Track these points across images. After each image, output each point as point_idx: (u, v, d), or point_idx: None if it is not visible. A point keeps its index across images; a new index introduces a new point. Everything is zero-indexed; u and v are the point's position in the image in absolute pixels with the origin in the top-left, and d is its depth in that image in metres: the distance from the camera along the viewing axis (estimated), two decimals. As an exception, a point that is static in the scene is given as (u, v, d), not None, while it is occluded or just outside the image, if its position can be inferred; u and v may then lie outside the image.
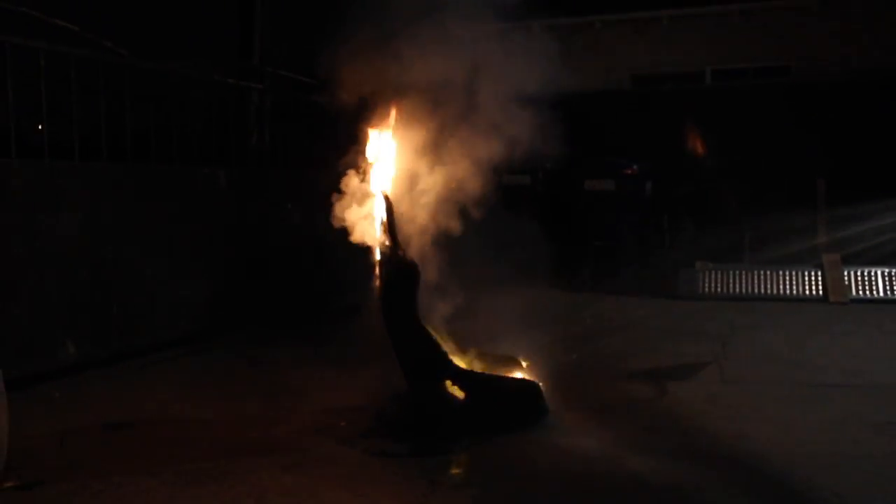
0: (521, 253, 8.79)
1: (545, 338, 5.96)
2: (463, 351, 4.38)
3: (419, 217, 4.26)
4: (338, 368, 5.17)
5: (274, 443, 3.91)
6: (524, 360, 4.53)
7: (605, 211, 8.71)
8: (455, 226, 4.54)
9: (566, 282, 8.65)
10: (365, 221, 4.19)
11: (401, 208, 4.18)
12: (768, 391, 4.69)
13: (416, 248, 4.21)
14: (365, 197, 4.18)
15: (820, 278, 7.97)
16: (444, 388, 3.93)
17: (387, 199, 4.02)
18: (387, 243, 4.00)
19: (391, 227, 3.98)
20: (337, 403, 4.48)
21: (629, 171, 8.65)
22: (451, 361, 3.93)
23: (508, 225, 8.87)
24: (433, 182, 4.32)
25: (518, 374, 4.31)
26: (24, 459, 3.60)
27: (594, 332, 6.60)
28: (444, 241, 4.40)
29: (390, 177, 4.14)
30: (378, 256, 4.09)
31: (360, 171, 4.18)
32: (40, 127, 5.08)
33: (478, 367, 4.28)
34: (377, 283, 4.10)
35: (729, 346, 5.92)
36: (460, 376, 3.94)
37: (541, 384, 4.12)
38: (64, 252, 5.16)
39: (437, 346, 3.91)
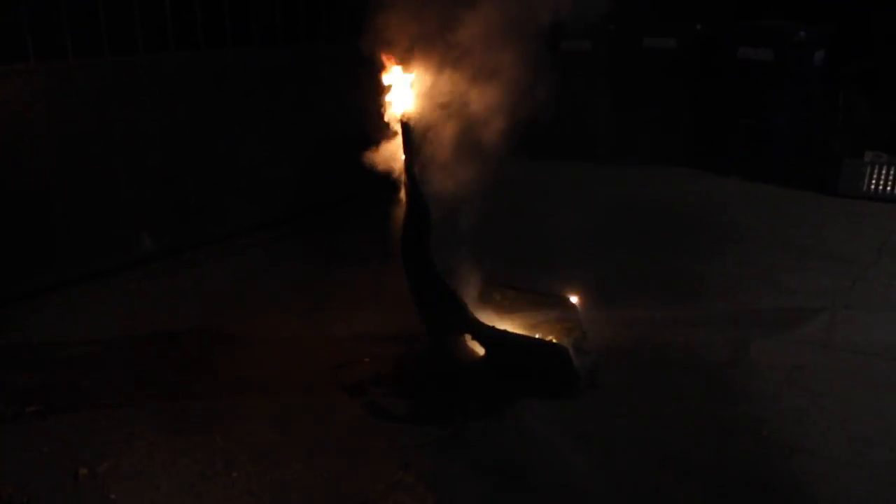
0: (660, 125, 7.87)
1: (627, 252, 5.33)
2: (502, 291, 3.93)
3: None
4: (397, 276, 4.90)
5: (284, 382, 3.76)
6: (573, 298, 4.00)
7: (758, 85, 7.40)
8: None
9: (708, 161, 7.66)
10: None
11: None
12: (881, 379, 3.65)
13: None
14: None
15: None
16: (462, 344, 3.52)
17: (405, 125, 3.46)
18: (403, 177, 3.50)
19: (408, 156, 3.46)
20: (377, 329, 4.23)
21: (794, 39, 7.19)
22: (468, 313, 3.49)
23: (649, 93, 7.89)
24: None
25: (561, 320, 3.81)
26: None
27: (702, 239, 5.72)
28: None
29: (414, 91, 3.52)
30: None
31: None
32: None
33: (517, 309, 3.83)
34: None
35: (862, 281, 4.86)
36: (479, 331, 3.50)
37: (574, 341, 3.60)
38: (138, 145, 5.13)
39: (452, 295, 3.47)
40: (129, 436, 3.31)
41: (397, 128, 3.48)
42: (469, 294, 3.76)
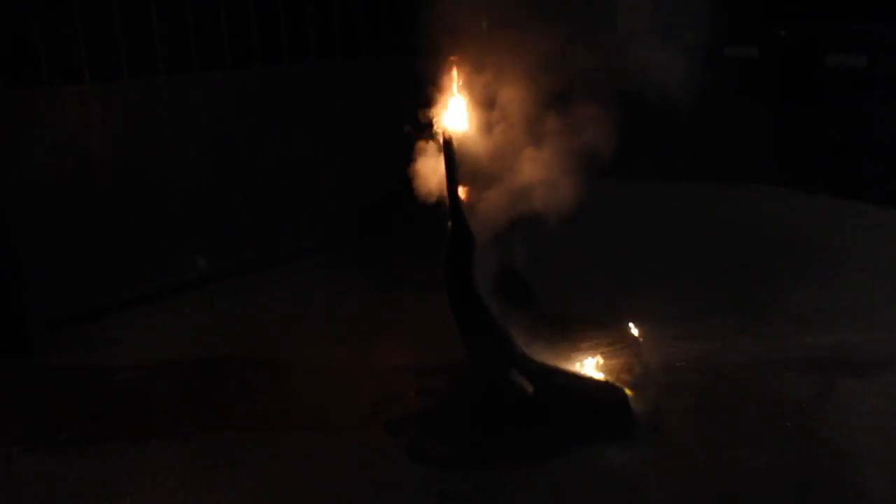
0: (744, 140, 7.38)
1: (701, 277, 4.91)
2: (556, 320, 3.63)
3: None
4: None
5: (324, 417, 3.57)
6: (636, 330, 3.66)
7: (850, 94, 6.84)
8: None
9: (794, 177, 7.13)
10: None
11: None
12: None
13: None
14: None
15: None
16: (510, 380, 3.24)
17: (447, 143, 3.22)
18: (447, 202, 3.25)
19: (450, 181, 3.21)
20: (426, 360, 4.00)
21: (890, 43, 6.61)
22: (516, 347, 3.20)
23: (731, 106, 7.42)
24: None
25: (621, 353, 3.48)
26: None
27: (787, 263, 5.24)
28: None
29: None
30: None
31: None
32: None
33: (572, 341, 3.53)
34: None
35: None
36: (528, 367, 3.21)
37: (635, 378, 3.27)
38: (190, 163, 5.07)
39: (498, 327, 3.20)
40: (158, 470, 3.17)
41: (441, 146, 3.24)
42: (520, 324, 3.49)
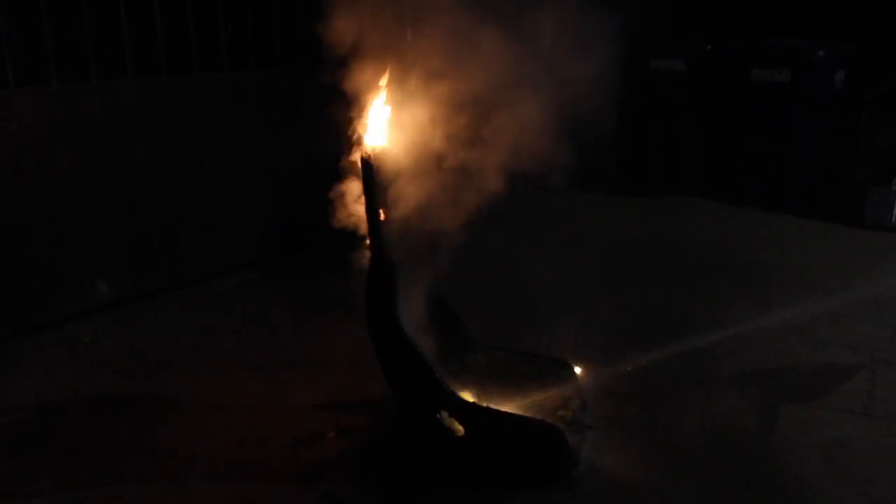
0: (670, 154, 7.34)
1: (634, 297, 4.76)
2: (486, 352, 3.38)
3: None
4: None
5: (233, 463, 3.22)
6: (574, 365, 3.44)
7: (774, 108, 6.86)
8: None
9: (719, 190, 7.11)
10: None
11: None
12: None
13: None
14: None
15: None
16: (436, 421, 2.97)
17: (366, 163, 2.92)
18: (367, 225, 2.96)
19: (370, 206, 2.93)
20: (346, 394, 3.70)
21: (812, 59, 6.66)
22: (443, 385, 2.93)
23: (656, 120, 7.37)
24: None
25: (557, 387, 3.25)
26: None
27: (719, 280, 5.13)
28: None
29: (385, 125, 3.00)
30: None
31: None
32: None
33: (504, 376, 3.28)
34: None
35: (905, 329, 4.31)
36: (457, 406, 2.95)
37: (573, 414, 3.05)
38: (89, 180, 4.64)
39: (424, 363, 2.91)
40: (38, 538, 2.77)
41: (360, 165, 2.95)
42: (448, 357, 3.22)
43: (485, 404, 2.96)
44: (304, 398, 3.69)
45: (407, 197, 3.14)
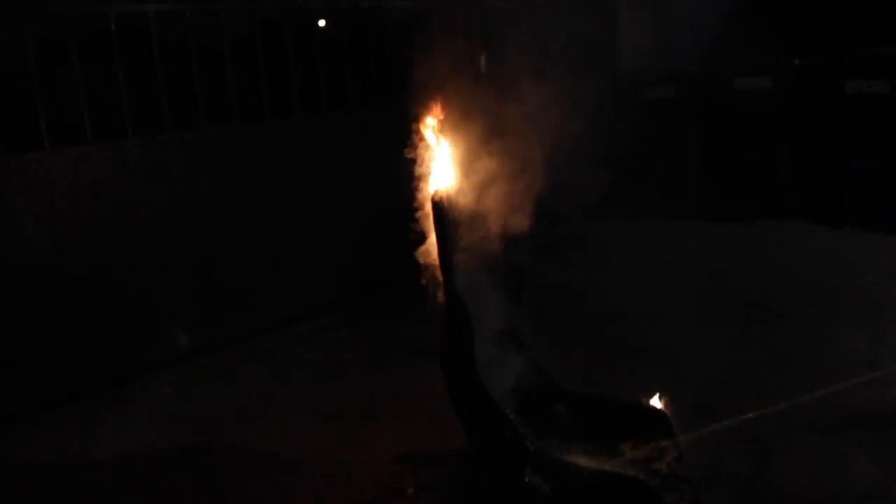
0: (759, 176, 6.96)
1: (731, 333, 4.43)
2: (568, 401, 3.15)
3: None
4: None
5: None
6: (668, 412, 3.17)
7: (872, 121, 6.41)
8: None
9: (815, 212, 6.66)
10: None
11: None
12: None
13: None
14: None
15: None
16: (521, 480, 2.76)
17: (438, 206, 2.78)
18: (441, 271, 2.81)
19: (443, 248, 2.78)
20: (427, 445, 3.53)
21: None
22: (526, 442, 2.72)
23: (742, 140, 7.02)
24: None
25: (648, 438, 2.99)
26: None
27: (822, 310, 4.71)
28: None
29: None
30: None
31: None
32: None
33: (589, 427, 3.04)
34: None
35: None
36: (539, 463, 2.73)
37: (667, 468, 2.78)
38: (165, 229, 4.68)
39: (505, 419, 2.72)
40: None
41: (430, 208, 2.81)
42: (528, 406, 3.01)
43: (570, 459, 2.73)
44: (383, 450, 3.55)
45: (479, 236, 2.99)
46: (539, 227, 3.14)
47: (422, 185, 2.92)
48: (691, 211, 7.23)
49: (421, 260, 3.06)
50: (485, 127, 3.05)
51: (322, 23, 5.49)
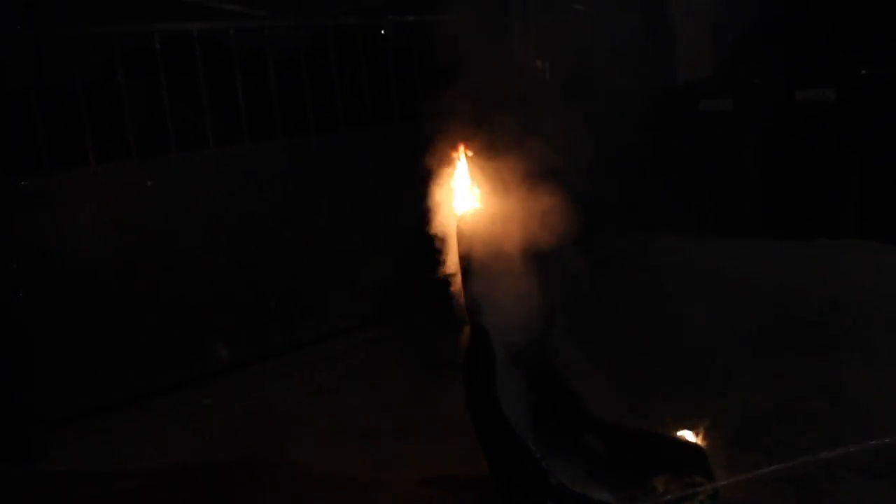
0: (820, 192, 6.65)
1: (785, 361, 4.20)
2: (600, 432, 3.03)
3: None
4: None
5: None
6: (707, 447, 3.01)
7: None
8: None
9: (881, 231, 6.32)
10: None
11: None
12: None
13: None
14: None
15: None
16: (543, 513, 2.65)
17: (460, 232, 2.70)
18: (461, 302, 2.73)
19: (466, 275, 2.70)
20: (460, 468, 3.43)
21: None
22: (549, 477, 2.61)
23: (804, 155, 6.72)
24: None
25: (683, 474, 2.85)
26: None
27: (884, 342, 4.45)
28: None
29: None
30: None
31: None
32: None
33: (621, 461, 2.92)
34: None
35: None
36: (567, 501, 2.62)
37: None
38: (207, 243, 4.73)
39: (528, 454, 2.62)
40: None
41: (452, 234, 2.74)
42: (557, 437, 2.90)
43: (596, 495, 2.60)
44: (414, 472, 3.49)
45: (509, 258, 2.90)
46: (591, 241, 3.05)
47: (446, 207, 2.85)
48: (749, 227, 6.97)
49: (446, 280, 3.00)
50: (535, 145, 2.98)
51: (366, 37, 5.49)
